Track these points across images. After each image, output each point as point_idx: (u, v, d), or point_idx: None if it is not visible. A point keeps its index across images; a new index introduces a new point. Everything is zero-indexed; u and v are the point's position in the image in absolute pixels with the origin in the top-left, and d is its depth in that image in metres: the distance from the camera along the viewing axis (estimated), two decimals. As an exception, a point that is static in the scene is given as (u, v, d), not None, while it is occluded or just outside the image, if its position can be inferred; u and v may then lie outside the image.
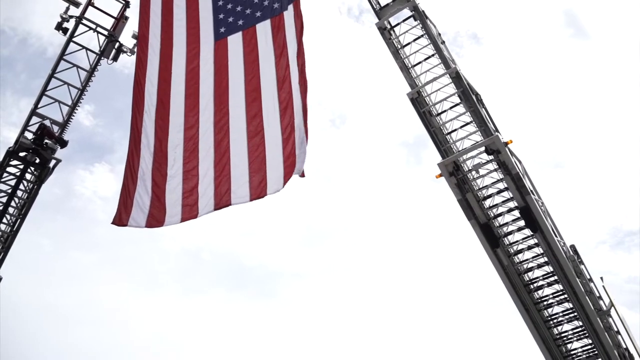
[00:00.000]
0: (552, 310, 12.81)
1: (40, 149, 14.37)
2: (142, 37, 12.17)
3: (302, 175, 9.34)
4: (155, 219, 10.23)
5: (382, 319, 40.65)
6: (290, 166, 9.42)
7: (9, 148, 14.35)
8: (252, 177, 9.73)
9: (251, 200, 9.68)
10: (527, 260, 12.80)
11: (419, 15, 12.74)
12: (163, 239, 46.78)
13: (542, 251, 12.56)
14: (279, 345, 38.28)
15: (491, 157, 12.30)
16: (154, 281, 43.14)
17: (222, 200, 9.86)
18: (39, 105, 14.71)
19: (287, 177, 9.47)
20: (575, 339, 12.77)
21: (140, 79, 11.52)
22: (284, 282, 47.89)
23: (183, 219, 10.08)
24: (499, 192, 12.64)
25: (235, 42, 10.92)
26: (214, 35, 11.22)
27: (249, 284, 46.77)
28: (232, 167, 9.98)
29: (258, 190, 9.62)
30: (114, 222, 10.53)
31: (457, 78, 12.49)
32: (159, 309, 39.85)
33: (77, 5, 15.03)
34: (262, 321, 41.04)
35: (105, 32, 15.34)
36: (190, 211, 10.05)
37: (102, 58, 15.33)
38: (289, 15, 10.42)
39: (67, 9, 15.00)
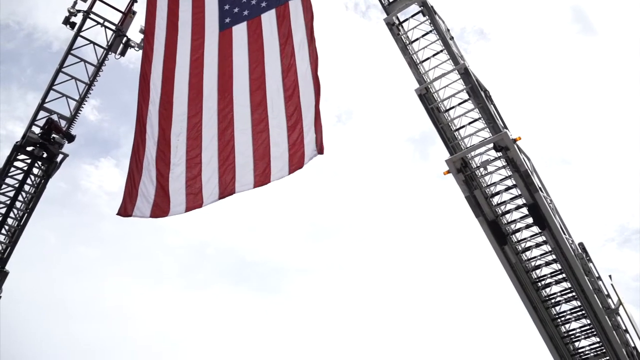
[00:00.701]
0: (559, 308, 12.69)
1: (47, 144, 14.37)
2: (148, 31, 12.17)
3: (322, 152, 9.27)
4: (160, 208, 10.19)
5: (387, 316, 40.66)
6: (297, 153, 9.36)
7: (17, 142, 14.37)
8: (257, 165, 9.68)
9: (255, 187, 9.63)
10: (535, 257, 12.70)
11: (428, 11, 12.64)
12: (167, 234, 46.92)
13: (550, 249, 12.44)
14: (283, 340, 38.35)
15: (500, 153, 12.18)
16: (159, 276, 43.28)
17: (227, 189, 9.80)
18: (46, 100, 14.73)
19: (292, 164, 9.43)
20: (583, 337, 12.66)
21: (147, 72, 11.52)
22: (288, 277, 47.97)
23: (188, 209, 10.03)
24: (507, 189, 12.51)
25: (240, 31, 10.89)
26: (219, 26, 11.20)
27: (253, 279, 46.83)
28: (236, 155, 9.93)
29: (262, 177, 9.56)
30: (119, 213, 10.51)
31: (465, 74, 12.40)
32: (163, 304, 39.98)
33: (84, -1, 15.06)
34: (266, 316, 41.14)
35: (113, 27, 15.37)
36: (194, 200, 9.98)
37: (110, 53, 15.33)
38: (294, 4, 10.37)
39: (75, 3, 15.07)
